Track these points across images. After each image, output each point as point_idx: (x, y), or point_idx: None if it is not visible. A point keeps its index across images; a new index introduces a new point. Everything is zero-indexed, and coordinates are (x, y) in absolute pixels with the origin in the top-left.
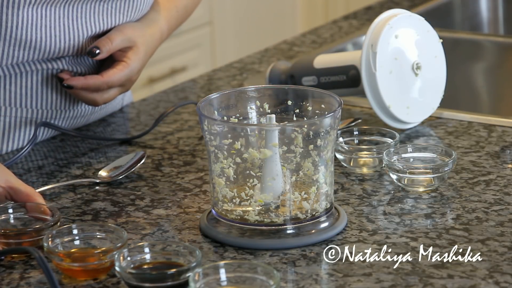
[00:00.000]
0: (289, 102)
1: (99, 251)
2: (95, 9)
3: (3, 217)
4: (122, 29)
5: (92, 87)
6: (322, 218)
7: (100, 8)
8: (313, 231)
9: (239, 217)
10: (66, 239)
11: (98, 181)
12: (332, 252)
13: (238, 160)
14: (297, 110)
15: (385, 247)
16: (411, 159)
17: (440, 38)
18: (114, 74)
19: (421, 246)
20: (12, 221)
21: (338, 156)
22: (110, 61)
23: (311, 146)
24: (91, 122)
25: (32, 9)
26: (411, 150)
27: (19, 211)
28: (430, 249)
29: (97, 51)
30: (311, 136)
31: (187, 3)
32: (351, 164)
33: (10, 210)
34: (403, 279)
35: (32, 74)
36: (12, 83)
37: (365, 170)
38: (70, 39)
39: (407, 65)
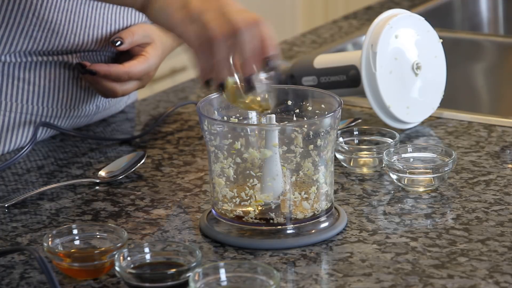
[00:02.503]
0: (289, 102)
1: (99, 251)
2: (104, 9)
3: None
4: (141, 26)
5: (113, 75)
6: (322, 218)
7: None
8: (313, 231)
9: (239, 217)
10: (66, 239)
11: (98, 181)
12: (332, 252)
13: (238, 160)
14: (297, 110)
15: (385, 247)
16: (411, 159)
17: (440, 38)
18: (135, 66)
19: (421, 246)
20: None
21: (338, 156)
22: (127, 57)
23: (311, 146)
24: (92, 122)
25: None
26: (411, 150)
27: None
28: (430, 249)
29: (120, 42)
30: (311, 136)
31: None
32: (351, 164)
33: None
34: (403, 279)
35: (41, 66)
36: (21, 78)
37: (365, 170)
38: (87, 26)
39: (407, 65)
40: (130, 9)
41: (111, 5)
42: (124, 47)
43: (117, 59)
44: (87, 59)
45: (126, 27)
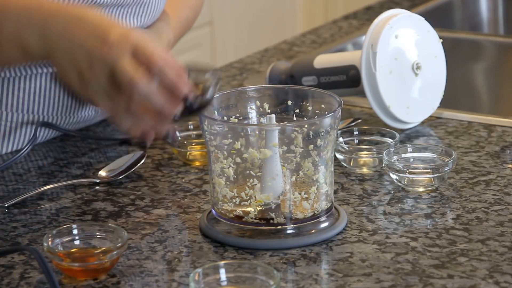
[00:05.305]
0: (289, 102)
1: (99, 251)
2: (110, 13)
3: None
4: None
5: None
6: (322, 218)
7: (115, 12)
8: (313, 231)
9: (239, 217)
10: (66, 239)
11: (98, 181)
12: (332, 252)
13: (238, 160)
14: (297, 110)
15: (385, 247)
16: (411, 159)
17: (440, 38)
18: None
19: (421, 246)
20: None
21: (338, 156)
22: None
23: (311, 146)
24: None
25: None
26: (411, 150)
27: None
28: (430, 249)
29: None
30: (311, 136)
31: (188, 15)
32: (351, 164)
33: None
34: (403, 279)
35: (41, 76)
36: (21, 88)
37: (365, 170)
38: None
39: (407, 65)
40: (122, 16)
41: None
42: None
43: None
44: None
45: None
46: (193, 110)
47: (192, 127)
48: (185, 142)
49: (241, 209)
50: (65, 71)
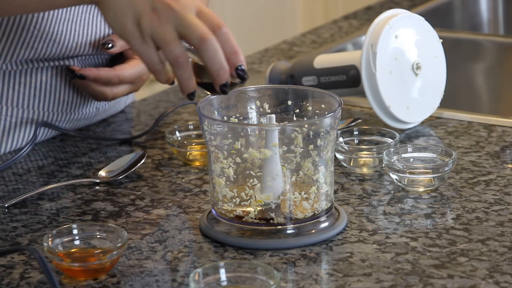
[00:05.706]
0: (289, 102)
1: (99, 251)
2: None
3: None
4: None
5: (103, 79)
6: (322, 218)
7: None
8: (313, 231)
9: (239, 217)
10: (66, 239)
11: (98, 181)
12: (332, 252)
13: (238, 160)
14: (297, 110)
15: (385, 247)
16: (411, 159)
17: (440, 38)
18: (126, 69)
19: (421, 246)
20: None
21: (338, 156)
22: (121, 61)
23: (311, 146)
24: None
25: None
26: (411, 150)
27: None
28: (430, 249)
29: (111, 44)
30: (311, 136)
31: None
32: (351, 164)
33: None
34: (403, 279)
35: (42, 71)
36: (22, 83)
37: (365, 170)
38: (88, 34)
39: (407, 65)
40: None
41: None
42: (115, 49)
43: (114, 61)
44: (88, 62)
45: None
46: (244, 79)
47: (192, 127)
48: (185, 142)
49: (241, 209)
50: (120, 13)
